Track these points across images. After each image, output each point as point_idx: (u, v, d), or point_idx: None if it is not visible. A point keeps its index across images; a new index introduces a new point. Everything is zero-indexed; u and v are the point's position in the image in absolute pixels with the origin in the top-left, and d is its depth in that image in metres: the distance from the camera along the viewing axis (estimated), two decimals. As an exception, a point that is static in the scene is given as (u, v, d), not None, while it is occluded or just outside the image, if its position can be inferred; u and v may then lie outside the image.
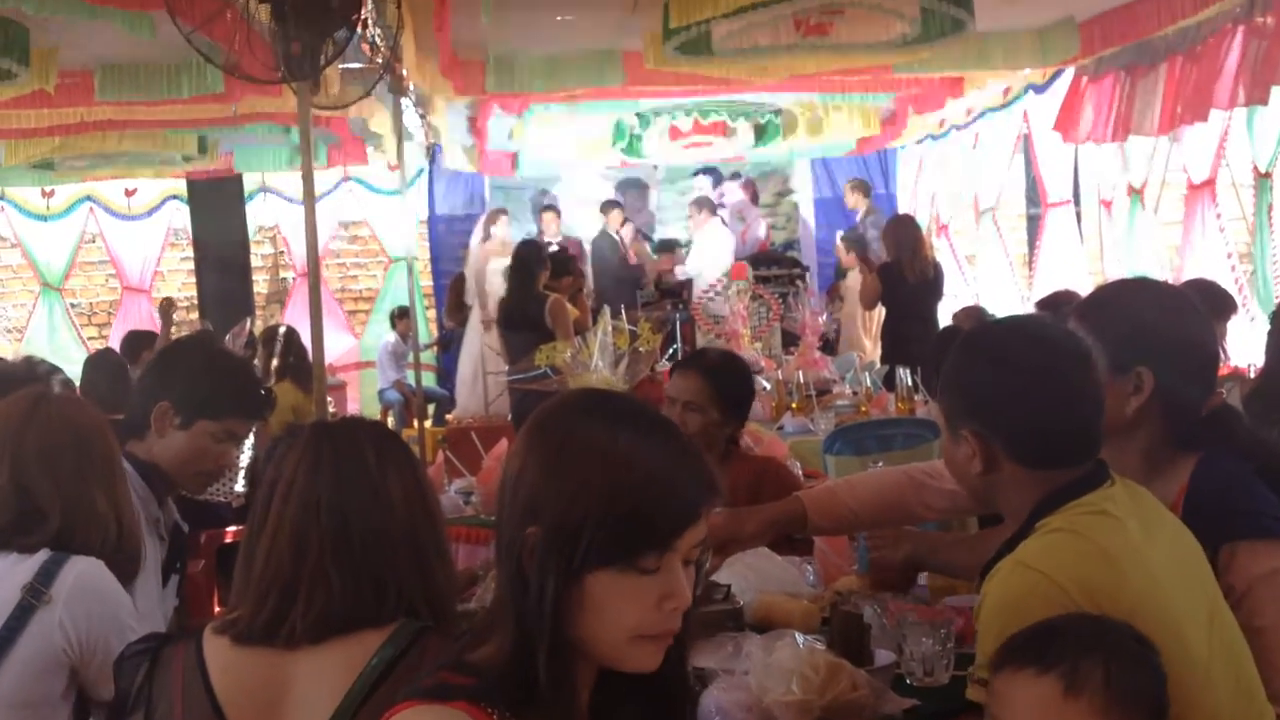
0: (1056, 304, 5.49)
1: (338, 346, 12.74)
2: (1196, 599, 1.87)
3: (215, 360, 3.12)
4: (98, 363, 5.77)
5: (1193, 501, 2.13)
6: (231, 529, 4.85)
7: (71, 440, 2.40)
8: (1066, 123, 8.25)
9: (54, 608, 2.24)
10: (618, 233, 12.05)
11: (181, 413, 2.74)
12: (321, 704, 1.75)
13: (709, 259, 11.21)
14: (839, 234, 11.61)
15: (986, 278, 10.75)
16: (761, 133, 10.30)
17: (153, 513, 2.74)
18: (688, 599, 1.45)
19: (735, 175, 13.84)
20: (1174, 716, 1.68)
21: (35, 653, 2.24)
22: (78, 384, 5.24)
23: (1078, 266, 9.09)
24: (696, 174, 13.74)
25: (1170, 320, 2.22)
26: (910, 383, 5.63)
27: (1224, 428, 2.22)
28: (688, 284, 11.41)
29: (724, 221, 12.21)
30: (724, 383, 3.60)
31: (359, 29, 4.61)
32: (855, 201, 11.21)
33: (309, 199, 4.06)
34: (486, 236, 10.50)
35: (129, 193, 12.77)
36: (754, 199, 14.00)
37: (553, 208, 12.34)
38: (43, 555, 2.29)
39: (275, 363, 6.91)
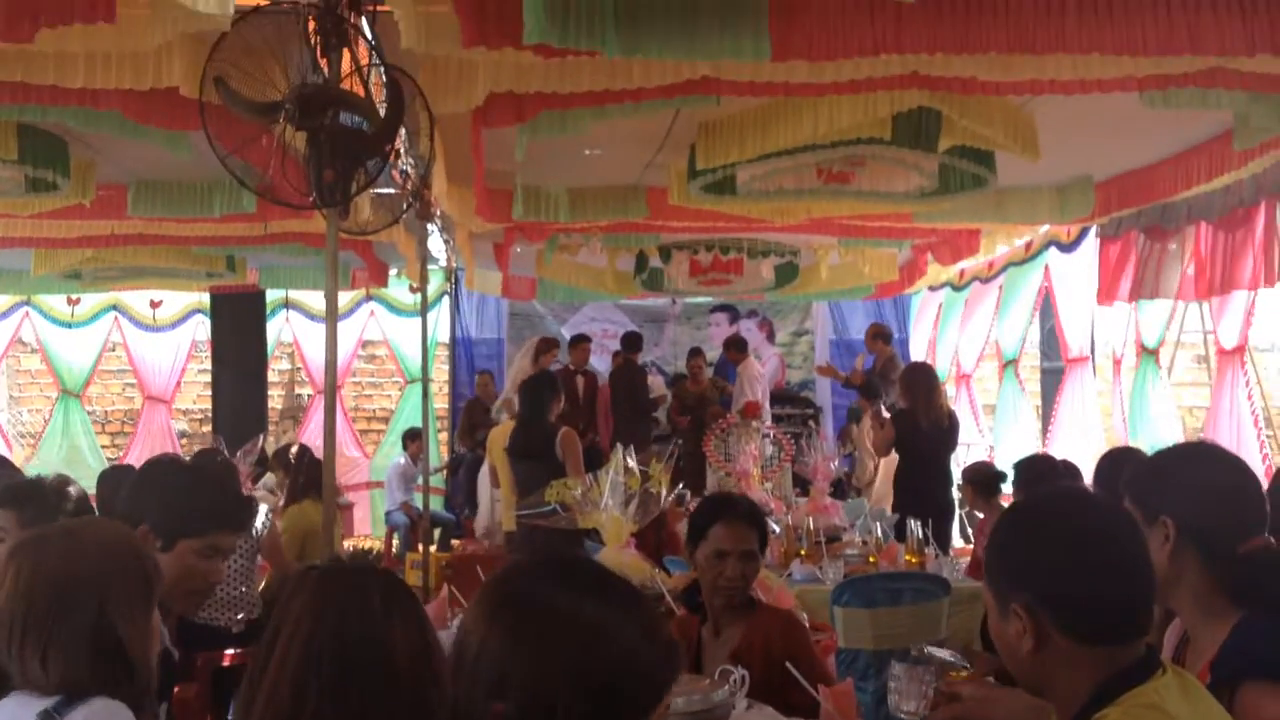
0: (1030, 468, 5.51)
1: (348, 466, 12.76)
2: None
3: (189, 477, 3.11)
4: (115, 478, 5.74)
5: (1225, 653, 2.14)
6: (229, 651, 4.80)
7: (95, 578, 2.25)
8: (1101, 285, 8.34)
9: None
10: (635, 365, 12.09)
11: (162, 535, 2.73)
12: None
13: (748, 398, 11.33)
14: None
15: (1005, 429, 10.77)
16: (781, 274, 10.41)
17: None
18: None
19: (752, 313, 13.98)
20: None
21: None
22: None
23: (1095, 422, 9.11)
24: (714, 310, 13.88)
25: (1190, 467, 2.26)
26: (921, 535, 5.60)
27: (1268, 574, 2.20)
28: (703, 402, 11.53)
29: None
30: (762, 528, 3.64)
31: (391, 158, 4.73)
32: (877, 348, 11.28)
33: (331, 321, 4.10)
34: (534, 361, 10.52)
35: (154, 304, 12.94)
36: (770, 337, 14.11)
37: (585, 338, 12.41)
38: (61, 694, 2.18)
39: (297, 480, 6.91)
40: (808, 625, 4.00)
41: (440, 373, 13.51)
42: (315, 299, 13.07)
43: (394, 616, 1.80)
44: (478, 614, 1.46)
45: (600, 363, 12.90)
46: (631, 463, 4.12)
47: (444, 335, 13.68)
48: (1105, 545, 1.90)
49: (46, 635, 2.16)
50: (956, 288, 11.81)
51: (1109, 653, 1.87)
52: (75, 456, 12.80)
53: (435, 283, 12.00)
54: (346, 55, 4.12)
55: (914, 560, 5.58)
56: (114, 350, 13.39)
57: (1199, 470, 2.29)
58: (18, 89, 4.59)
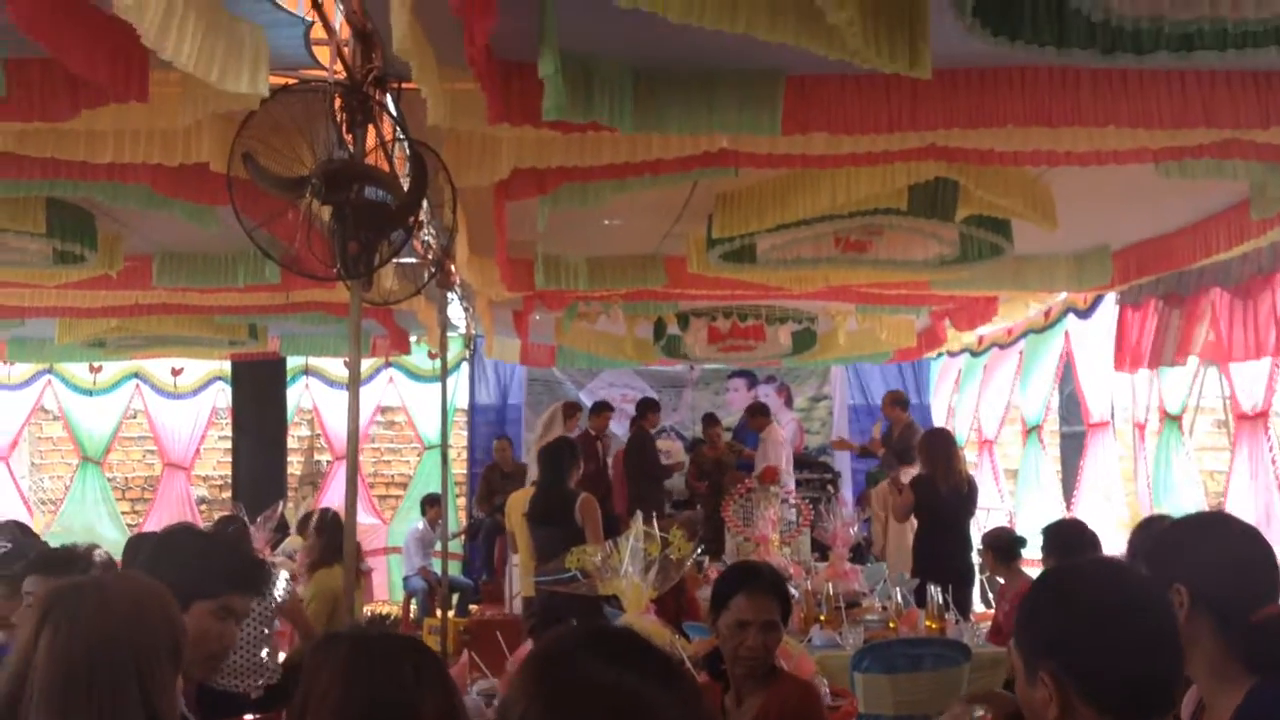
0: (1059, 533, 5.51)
1: (366, 532, 12.77)
2: None
3: (204, 541, 3.14)
4: (138, 548, 5.75)
5: (1239, 717, 2.15)
6: (249, 718, 4.80)
7: (130, 644, 2.17)
8: (1119, 352, 8.35)
9: None
10: (646, 433, 12.09)
11: (178, 597, 2.75)
12: None
13: (774, 462, 11.36)
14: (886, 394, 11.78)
15: (1027, 494, 10.75)
16: (799, 340, 10.44)
17: None
18: None
19: (770, 378, 14.00)
20: None
21: None
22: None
23: (1118, 487, 9.08)
24: (732, 376, 13.90)
25: (1203, 536, 2.32)
26: (941, 600, 5.57)
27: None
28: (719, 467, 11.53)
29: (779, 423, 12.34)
30: (785, 598, 3.65)
31: (414, 230, 4.80)
32: (895, 415, 11.29)
33: (354, 389, 4.15)
34: (560, 426, 10.58)
35: (175, 371, 13.04)
36: (788, 402, 14.12)
37: (607, 406, 12.46)
38: None
39: (323, 544, 6.91)
40: (828, 691, 3.99)
41: (458, 438, 13.55)
42: (335, 365, 13.16)
43: (424, 685, 1.82)
44: (520, 682, 1.47)
45: (620, 428, 12.92)
46: (651, 529, 4.14)
47: (463, 401, 13.73)
48: (1135, 620, 1.91)
49: (88, 709, 2.07)
50: (975, 354, 11.84)
51: None
52: (95, 523, 12.84)
53: (454, 349, 12.08)
54: (371, 131, 4.21)
55: (934, 626, 5.55)
56: (135, 417, 13.48)
57: (1212, 539, 2.34)
58: (48, 164, 4.67)
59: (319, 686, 1.83)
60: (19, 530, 4.63)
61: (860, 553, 10.00)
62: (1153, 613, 1.94)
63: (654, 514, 4.59)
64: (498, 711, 1.48)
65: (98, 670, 2.08)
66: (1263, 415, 7.17)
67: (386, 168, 4.33)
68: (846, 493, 12.79)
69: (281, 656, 5.71)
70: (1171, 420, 8.27)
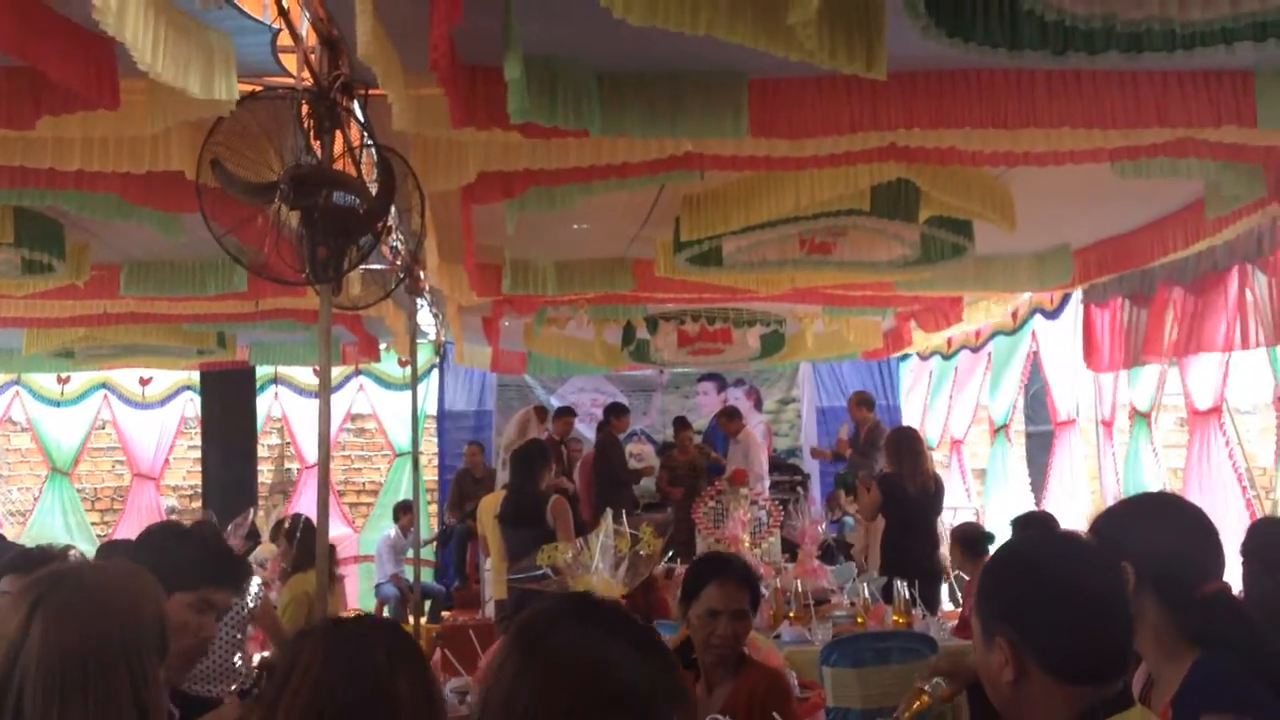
0: (1028, 524, 5.61)
1: (337, 541, 12.73)
2: None
3: (183, 535, 3.17)
4: (111, 553, 5.76)
5: (1184, 690, 2.24)
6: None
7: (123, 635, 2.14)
8: (1088, 351, 8.47)
9: None
10: (613, 437, 12.14)
11: None
12: None
13: (750, 463, 11.42)
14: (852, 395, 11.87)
15: (995, 492, 10.86)
16: (767, 343, 10.52)
17: None
18: None
19: (739, 381, 14.07)
20: None
21: None
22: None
23: (1084, 484, 9.21)
24: (701, 379, 13.97)
25: (1149, 514, 2.43)
26: (908, 595, 5.65)
27: (1224, 616, 2.32)
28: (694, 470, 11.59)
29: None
30: (754, 584, 3.72)
31: (383, 235, 4.83)
32: (861, 416, 11.38)
33: (325, 394, 4.17)
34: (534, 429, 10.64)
35: (144, 381, 12.99)
36: (757, 405, 14.20)
37: (569, 411, 12.52)
38: None
39: (296, 550, 6.92)
40: (797, 683, 4.06)
41: (428, 445, 13.56)
42: (304, 374, 13.14)
43: (399, 669, 1.85)
44: (509, 654, 1.55)
45: (590, 432, 12.96)
46: (621, 525, 4.19)
47: (432, 408, 13.74)
48: (1089, 590, 1.98)
49: (75, 705, 2.03)
50: (946, 356, 11.96)
51: (1085, 691, 1.94)
52: (65, 534, 12.77)
53: (424, 356, 12.10)
54: (339, 137, 4.24)
55: (901, 621, 5.63)
56: (103, 428, 13.42)
57: (1159, 518, 2.43)
58: (16, 173, 4.69)
59: (296, 670, 1.86)
60: (-9, 536, 4.65)
61: (830, 553, 10.06)
62: (1106, 583, 2.01)
63: (624, 513, 4.64)
64: (486, 677, 1.54)
65: (91, 659, 2.06)
66: (1215, 411, 7.31)
67: (354, 174, 4.37)
68: (816, 493, 12.88)
69: (258, 659, 5.72)
70: (1140, 417, 8.40)
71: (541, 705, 1.46)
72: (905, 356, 13.16)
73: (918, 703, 2.55)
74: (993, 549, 6.56)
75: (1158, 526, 2.39)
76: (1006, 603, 2.03)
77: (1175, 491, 7.77)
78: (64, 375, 12.49)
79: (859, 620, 5.87)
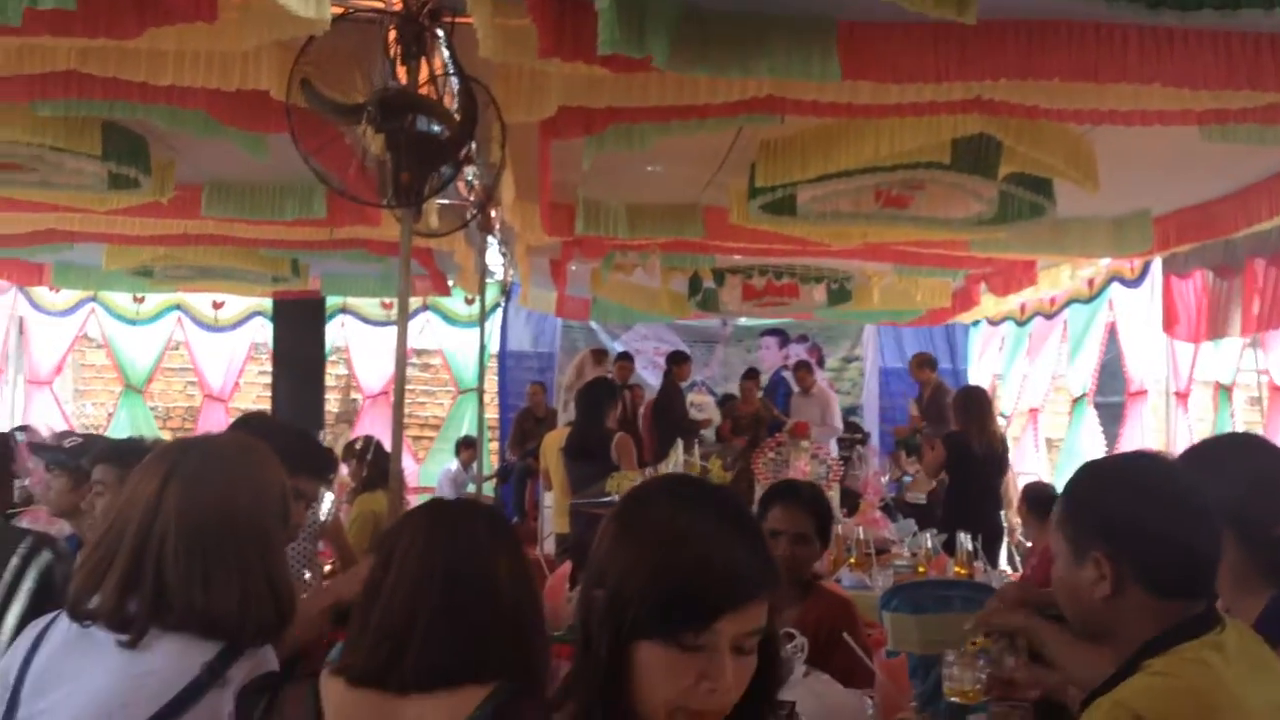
0: None
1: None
2: None
3: (275, 424, 3.26)
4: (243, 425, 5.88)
5: (1258, 625, 2.24)
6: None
7: (221, 520, 2.21)
8: (1169, 321, 8.36)
9: (226, 690, 2.12)
10: (675, 386, 12.18)
11: None
12: None
13: (827, 416, 11.44)
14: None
15: (1069, 464, 10.75)
16: (833, 297, 10.47)
17: None
18: (727, 682, 1.50)
19: (802, 338, 14.04)
20: None
21: None
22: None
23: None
24: (764, 334, 13.95)
25: (1227, 455, 2.46)
26: (970, 548, 5.64)
27: None
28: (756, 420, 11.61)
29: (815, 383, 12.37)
30: (821, 512, 3.75)
31: (463, 165, 4.88)
32: (924, 376, 11.33)
33: (402, 320, 4.21)
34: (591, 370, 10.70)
35: (217, 305, 13.21)
36: (820, 362, 14.16)
37: (628, 356, 12.58)
38: (223, 641, 2.16)
39: (365, 473, 7.05)
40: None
41: (490, 383, 13.69)
42: (371, 306, 13.29)
43: (500, 547, 1.99)
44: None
45: (653, 379, 13.01)
46: (691, 455, 4.24)
47: (496, 347, 13.86)
48: (1185, 503, 2.02)
49: (215, 564, 2.14)
50: (1020, 323, 11.84)
51: (1177, 606, 1.98)
52: (136, 451, 13.05)
53: (490, 295, 12.19)
54: (424, 64, 4.28)
55: (963, 572, 5.62)
56: (176, 348, 13.67)
57: (1239, 458, 2.46)
58: (109, 84, 4.76)
59: (402, 544, 1.98)
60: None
61: (889, 511, 10.06)
62: (1198, 498, 2.04)
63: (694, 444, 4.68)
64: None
65: (224, 522, 2.18)
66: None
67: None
68: (876, 450, 12.84)
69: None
70: (1224, 391, 8.30)
71: (628, 571, 1.51)
72: (976, 323, 13.05)
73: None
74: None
75: (1238, 465, 2.42)
76: (1103, 517, 2.05)
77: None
78: (140, 295, 12.72)
79: (920, 570, 5.88)
